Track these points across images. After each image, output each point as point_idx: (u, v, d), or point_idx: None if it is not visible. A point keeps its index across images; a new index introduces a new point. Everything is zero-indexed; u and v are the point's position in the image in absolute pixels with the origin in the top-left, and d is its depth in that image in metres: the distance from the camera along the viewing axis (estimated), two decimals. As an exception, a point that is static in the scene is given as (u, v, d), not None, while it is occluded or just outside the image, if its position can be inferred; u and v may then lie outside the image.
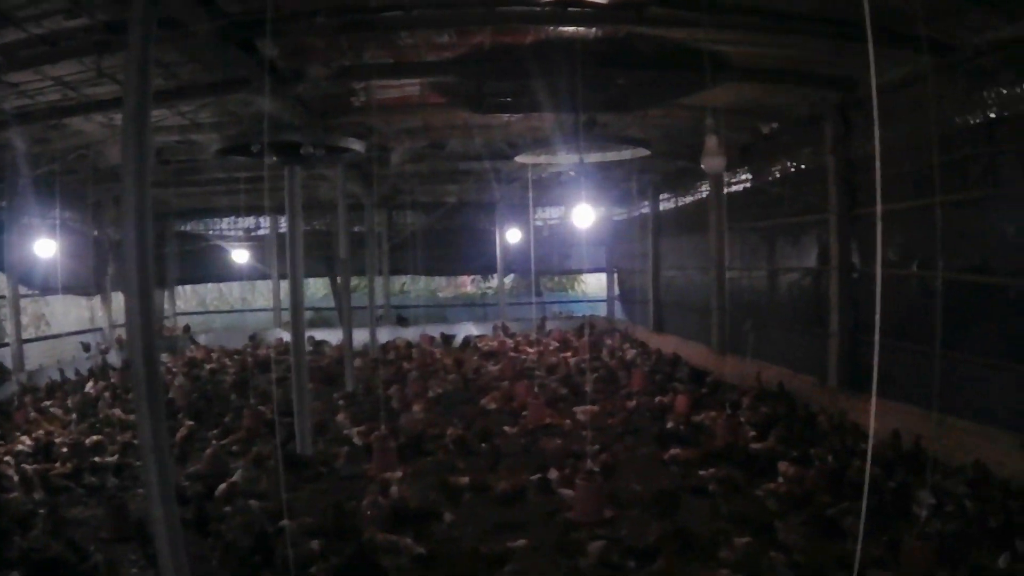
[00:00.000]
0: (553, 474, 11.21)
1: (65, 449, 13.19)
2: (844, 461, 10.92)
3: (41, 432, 14.48)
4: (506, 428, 14.35)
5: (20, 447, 13.50)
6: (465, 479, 11.21)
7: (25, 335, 21.85)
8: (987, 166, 11.42)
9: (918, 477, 9.71)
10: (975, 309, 11.76)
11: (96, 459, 12.76)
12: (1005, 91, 11.06)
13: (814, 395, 14.73)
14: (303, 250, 13.59)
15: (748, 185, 19.26)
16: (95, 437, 13.96)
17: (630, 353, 22.44)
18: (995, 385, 11.37)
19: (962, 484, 9.95)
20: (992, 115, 11.39)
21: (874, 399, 4.72)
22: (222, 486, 10.88)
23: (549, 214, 33.10)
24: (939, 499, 9.39)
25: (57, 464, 12.44)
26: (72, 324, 26.83)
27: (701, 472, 11.12)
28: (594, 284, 41.99)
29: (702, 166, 10.99)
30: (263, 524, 9.34)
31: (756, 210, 18.45)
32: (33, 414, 15.92)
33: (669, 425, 13.93)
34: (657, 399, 15.86)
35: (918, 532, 8.01)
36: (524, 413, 15.49)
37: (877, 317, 4.38)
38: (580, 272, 37.77)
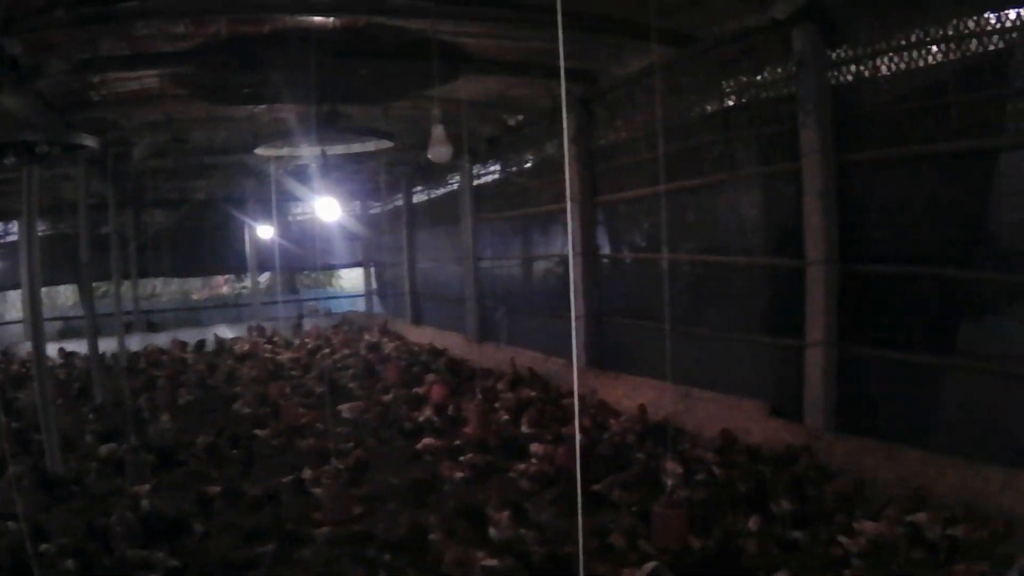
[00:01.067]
0: (307, 474, 11.01)
1: None
2: (594, 437, 11.32)
3: None
4: (257, 431, 13.89)
5: None
6: (216, 487, 10.80)
7: None
8: (723, 152, 12.07)
9: (665, 448, 10.14)
10: (716, 287, 12.44)
11: None
12: (743, 80, 11.73)
13: (565, 377, 15.16)
14: (48, 256, 12.73)
15: (497, 176, 19.62)
16: None
17: (388, 347, 22.41)
18: (738, 357, 12.07)
19: (711, 452, 10.52)
20: (729, 103, 12.06)
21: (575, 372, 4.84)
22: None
23: (302, 209, 32.49)
24: (690, 468, 9.88)
25: None
26: None
27: (452, 461, 11.21)
28: (352, 279, 41.61)
29: (428, 155, 11.06)
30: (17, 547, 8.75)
31: (506, 200, 18.83)
32: None
33: (425, 416, 13.96)
34: (413, 391, 15.84)
35: (666, 501, 8.32)
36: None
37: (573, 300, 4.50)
38: (336, 267, 37.25)
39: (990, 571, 6.60)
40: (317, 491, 10.32)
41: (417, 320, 25.78)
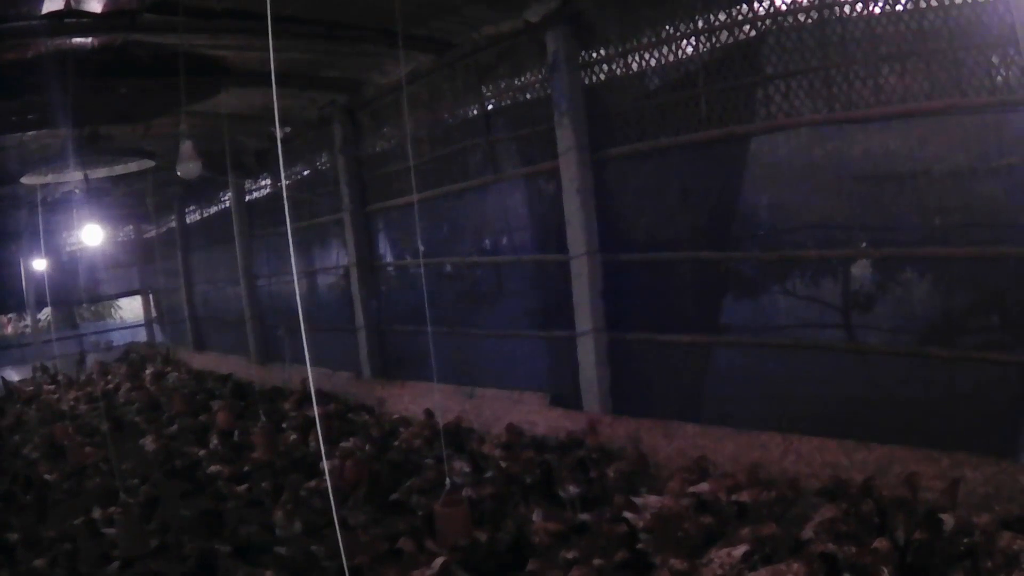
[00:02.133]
0: (97, 513, 10.57)
1: None
2: (382, 445, 11.37)
3: None
4: (46, 475, 13.18)
5: None
6: (15, 535, 10.19)
7: None
8: (487, 154, 12.33)
9: (455, 449, 10.28)
10: (491, 287, 12.72)
11: None
12: (502, 83, 11.98)
13: (353, 389, 15.14)
14: None
15: (269, 191, 19.30)
16: None
17: (172, 376, 21.71)
18: (517, 353, 12.39)
19: (498, 448, 10.72)
20: (490, 106, 12.31)
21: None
22: None
23: (75, 239, 30.97)
24: (478, 465, 10.05)
25: None
26: None
27: (240, 487, 11.00)
28: (132, 309, 40.09)
29: (178, 172, 10.90)
30: None
31: (279, 215, 18.56)
32: None
33: (212, 444, 13.61)
34: (199, 419, 15.40)
35: (445, 499, 8.44)
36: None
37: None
38: (114, 297, 35.71)
39: (779, 531, 6.97)
40: (109, 530, 9.87)
41: (199, 346, 25.07)
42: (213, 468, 11.91)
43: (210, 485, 11.39)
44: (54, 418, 18.09)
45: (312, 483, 10.43)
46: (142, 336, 32.08)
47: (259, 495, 10.56)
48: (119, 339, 32.55)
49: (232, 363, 21.08)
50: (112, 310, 41.99)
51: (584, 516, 8.29)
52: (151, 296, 30.96)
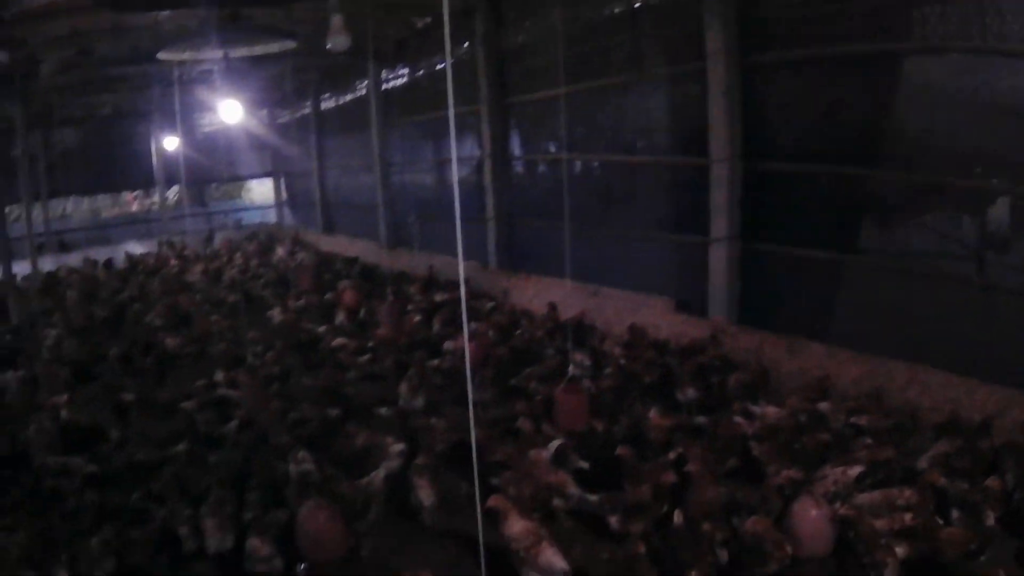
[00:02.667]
0: (219, 376, 10.98)
1: None
2: (505, 333, 11.50)
3: None
4: (169, 340, 13.75)
5: None
6: (131, 395, 10.71)
7: None
8: (630, 52, 12.11)
9: (575, 343, 10.33)
10: (624, 187, 12.59)
11: None
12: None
13: (479, 279, 15.26)
14: None
15: (406, 80, 19.35)
16: None
17: (300, 256, 22.23)
18: (645, 256, 12.30)
19: (619, 347, 10.74)
20: (637, 3, 12.07)
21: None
22: None
23: (210, 120, 31.62)
24: (598, 361, 10.10)
25: None
26: None
27: (362, 359, 11.36)
28: (262, 191, 40.87)
29: (328, 46, 10.96)
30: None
31: (415, 105, 18.63)
32: None
33: (338, 320, 13.97)
34: (326, 296, 15.79)
35: (567, 386, 8.53)
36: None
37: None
38: (245, 178, 36.52)
39: (896, 457, 6.88)
40: (230, 393, 10.29)
41: (328, 229, 25.56)
42: (337, 341, 12.24)
43: (333, 357, 11.75)
44: (179, 289, 18.79)
45: (435, 362, 10.68)
46: (271, 218, 32.78)
47: (381, 370, 10.87)
48: (248, 219, 33.27)
49: (360, 247, 21.54)
50: (242, 191, 42.92)
51: (700, 419, 8.31)
52: (282, 179, 31.48)
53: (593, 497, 6.78)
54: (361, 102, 21.73)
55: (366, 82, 20.92)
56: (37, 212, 26.40)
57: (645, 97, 12.16)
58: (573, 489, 6.90)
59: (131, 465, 8.53)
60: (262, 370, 10.73)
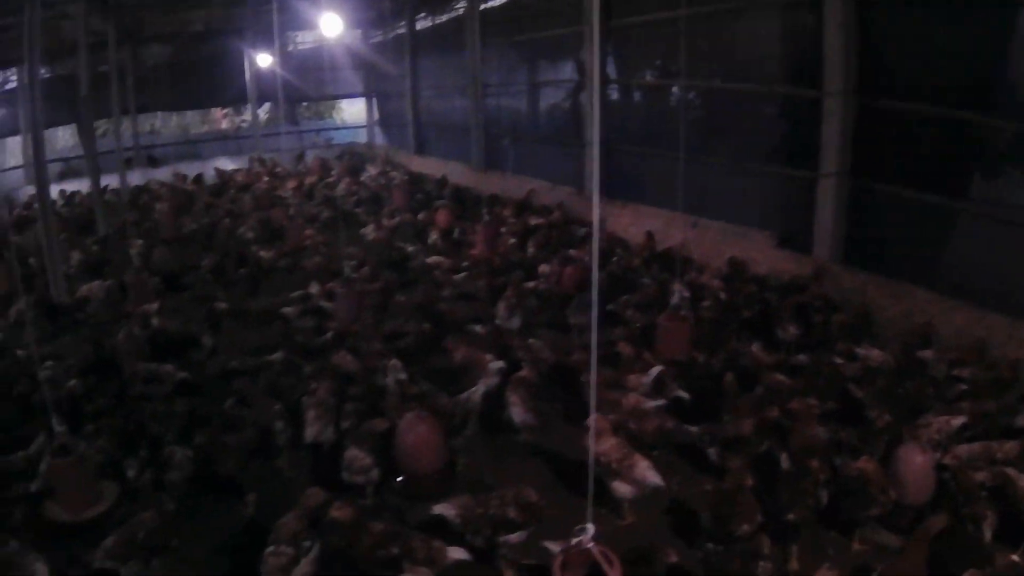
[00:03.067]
0: (314, 289, 11.05)
1: None
2: (601, 259, 11.36)
3: None
4: (262, 252, 13.89)
5: None
6: (223, 305, 10.83)
7: None
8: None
9: (672, 274, 10.16)
10: (729, 116, 12.27)
11: None
12: None
13: (573, 204, 15.10)
14: (46, 99, 12.58)
15: (504, 0, 19.04)
16: None
17: (392, 176, 22.25)
18: (747, 188, 12.02)
19: (717, 279, 10.55)
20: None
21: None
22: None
23: (302, 38, 31.63)
24: (696, 293, 9.94)
25: None
26: None
27: (456, 276, 11.40)
28: (353, 111, 40.90)
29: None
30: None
31: (513, 25, 18.34)
32: None
33: (431, 239, 13.99)
34: (420, 216, 15.78)
35: (670, 314, 8.40)
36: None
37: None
38: (338, 98, 36.53)
39: (996, 412, 6.66)
40: (325, 304, 10.38)
41: (420, 150, 25.45)
42: (432, 259, 12.24)
43: (427, 275, 11.76)
44: (271, 204, 18.96)
45: (531, 284, 10.61)
46: (362, 138, 32.80)
47: (475, 289, 10.85)
48: (339, 139, 33.34)
49: (452, 168, 21.43)
50: (333, 111, 43.03)
51: (801, 358, 8.12)
52: (374, 99, 31.43)
53: (693, 428, 6.68)
54: (458, 22, 21.44)
55: (464, 1, 20.62)
56: (126, 127, 26.80)
57: (756, 24, 11.76)
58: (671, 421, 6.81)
59: (224, 373, 8.70)
60: (356, 284, 10.74)
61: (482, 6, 19.56)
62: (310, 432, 6.88)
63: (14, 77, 28.05)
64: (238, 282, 12.60)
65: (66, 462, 6.31)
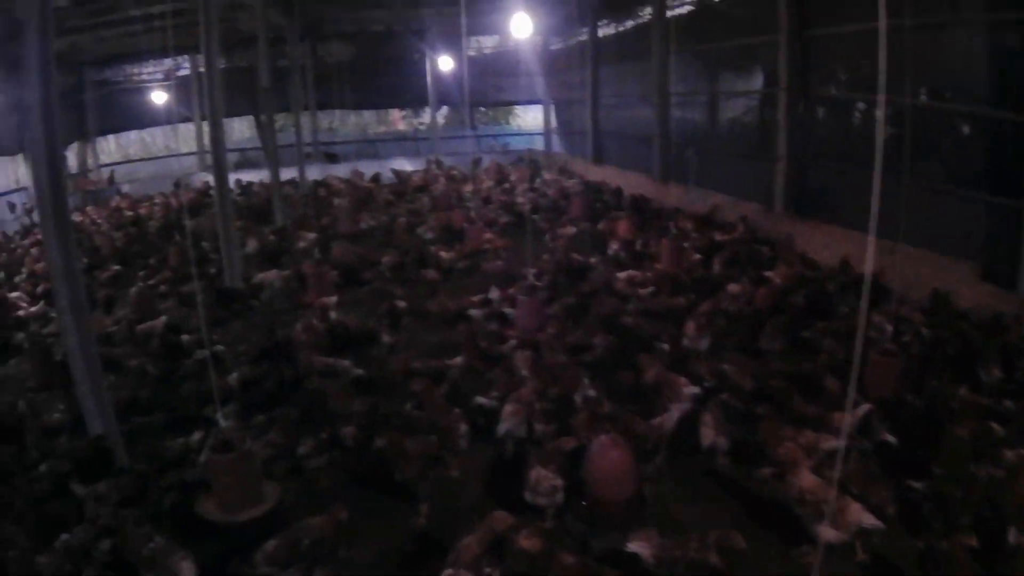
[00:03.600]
0: (495, 294, 10.90)
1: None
2: (796, 282, 10.77)
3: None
4: (443, 253, 13.90)
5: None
6: (404, 303, 10.81)
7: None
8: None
9: (872, 304, 9.48)
10: (931, 135, 11.47)
11: (19, 313, 12.14)
12: None
13: (759, 221, 14.48)
14: (224, 89, 12.89)
15: (693, 7, 18.51)
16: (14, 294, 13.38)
17: (569, 183, 22.05)
18: (952, 215, 11.19)
19: (918, 312, 9.82)
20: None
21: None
22: (146, 325, 10.41)
23: (483, 43, 31.84)
24: (896, 326, 9.25)
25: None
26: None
27: (643, 291, 10.96)
28: (529, 117, 41.01)
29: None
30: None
31: (700, 33, 17.82)
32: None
33: (612, 250, 13.66)
34: (599, 226, 15.46)
35: (881, 350, 7.82)
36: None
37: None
38: (516, 104, 36.66)
39: None
40: (507, 310, 10.28)
41: (598, 158, 25.11)
42: (622, 274, 11.87)
43: (609, 287, 11.41)
44: (449, 206, 19.03)
45: (719, 303, 10.11)
46: (538, 144, 32.77)
47: (660, 306, 10.44)
48: (515, 145, 33.39)
49: (630, 179, 21.07)
50: (509, 117, 43.23)
51: (1007, 403, 7.37)
52: (552, 106, 31.31)
53: (918, 484, 6.05)
54: (642, 29, 21.06)
55: (649, 8, 20.20)
56: (305, 123, 27.43)
57: (964, 42, 10.94)
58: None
59: (404, 373, 8.53)
60: (539, 292, 10.53)
61: (668, 13, 19.08)
62: (502, 427, 6.79)
63: (186, 64, 29.32)
64: (417, 281, 12.66)
65: (228, 458, 6.13)
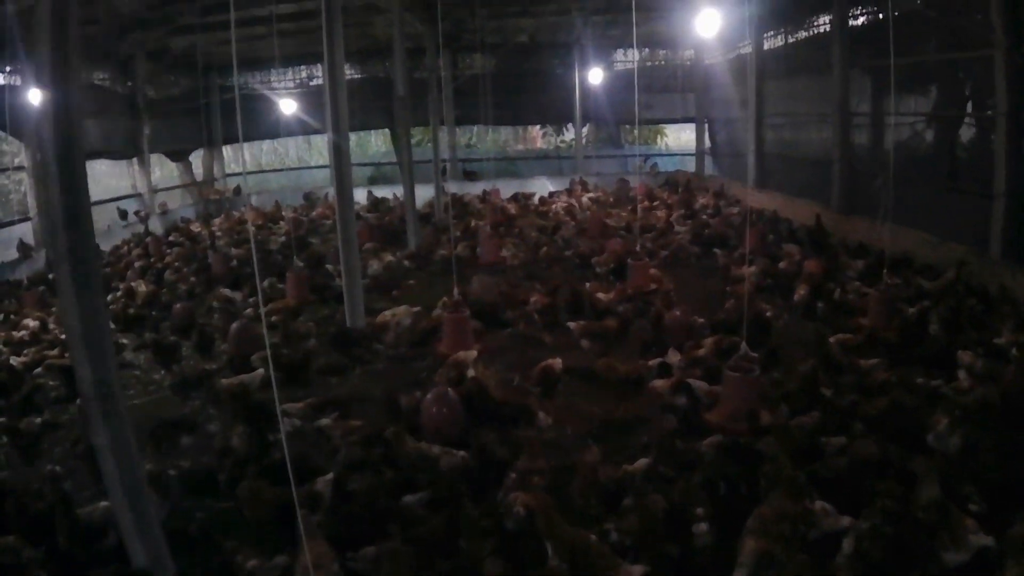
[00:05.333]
0: (674, 357, 8.86)
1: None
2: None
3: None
4: (600, 295, 11.93)
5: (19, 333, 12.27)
6: (559, 361, 8.89)
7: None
8: None
9: None
10: None
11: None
12: None
13: (973, 269, 12.07)
14: (360, 100, 11.53)
15: (881, 15, 16.11)
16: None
17: (731, 211, 19.94)
18: None
19: None
20: None
21: None
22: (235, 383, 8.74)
23: (631, 56, 29.94)
24: None
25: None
26: (111, 191, 25.05)
27: (864, 361, 8.59)
28: (679, 136, 39.12)
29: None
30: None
31: (892, 45, 15.44)
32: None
33: (799, 295, 11.47)
34: (782, 264, 13.37)
35: None
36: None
37: None
38: (666, 122, 34.48)
39: None
40: (698, 384, 8.04)
41: (761, 183, 22.60)
42: (840, 336, 9.53)
43: (823, 347, 9.01)
44: (601, 233, 17.30)
45: (956, 382, 7.87)
46: (688, 165, 30.65)
47: (882, 382, 8.10)
48: (663, 165, 31.34)
49: (800, 208, 18.83)
50: (657, 136, 41.23)
51: None
52: (706, 125, 29.09)
53: None
54: (818, 40, 18.88)
55: (828, 17, 18.01)
56: (442, 137, 26.23)
57: None
58: None
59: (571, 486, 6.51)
60: (748, 365, 7.91)
61: (852, 22, 16.81)
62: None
63: (319, 73, 28.52)
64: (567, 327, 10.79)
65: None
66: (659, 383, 8.25)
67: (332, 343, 10.46)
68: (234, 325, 10.79)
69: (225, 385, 8.59)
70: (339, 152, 11.49)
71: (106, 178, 26.30)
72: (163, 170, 30.91)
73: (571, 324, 10.55)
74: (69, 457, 7.58)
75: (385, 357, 10.43)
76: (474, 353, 9.26)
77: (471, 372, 8.56)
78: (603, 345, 9.95)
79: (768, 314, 10.54)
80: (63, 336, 11.18)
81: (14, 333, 12.17)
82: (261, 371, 8.92)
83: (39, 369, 10.17)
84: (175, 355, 10.64)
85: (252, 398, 7.82)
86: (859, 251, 14.19)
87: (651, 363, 8.87)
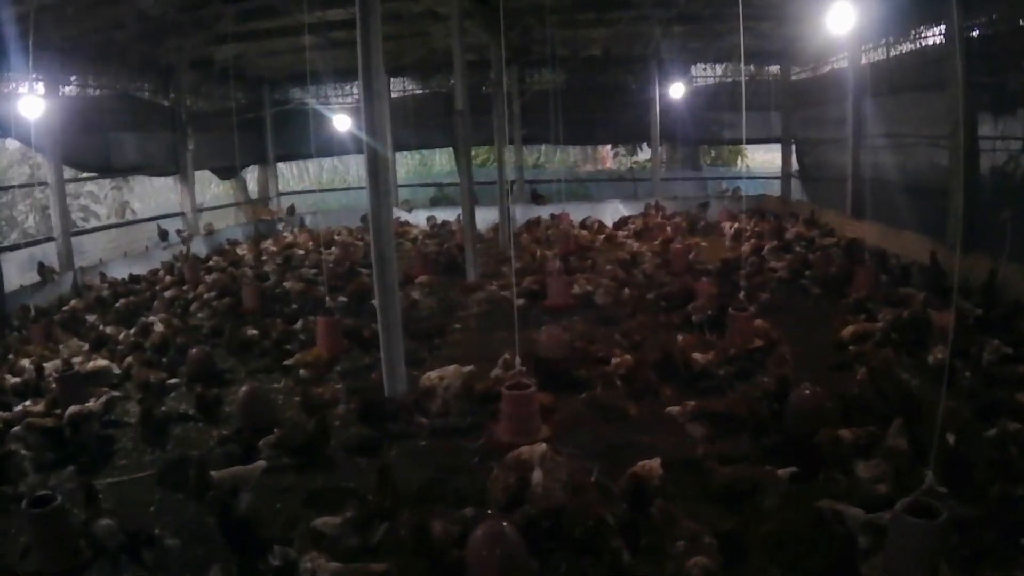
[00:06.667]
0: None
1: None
2: None
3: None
4: (697, 355, 9.85)
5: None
6: (657, 466, 6.56)
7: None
8: None
9: None
10: None
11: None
12: None
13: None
14: (420, 117, 9.86)
15: (1008, 26, 13.97)
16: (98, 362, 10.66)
17: (828, 242, 17.91)
18: None
19: None
20: None
21: None
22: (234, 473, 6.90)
23: (711, 72, 28.01)
24: None
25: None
26: (154, 209, 23.96)
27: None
28: (761, 158, 37.13)
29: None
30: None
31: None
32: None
33: (934, 359, 9.32)
34: (904, 313, 10.96)
35: None
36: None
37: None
38: (749, 143, 32.35)
39: None
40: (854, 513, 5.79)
41: (858, 212, 20.48)
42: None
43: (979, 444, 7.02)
44: (684, 266, 15.47)
45: None
46: (772, 190, 28.54)
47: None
48: (745, 189, 29.34)
49: (907, 241, 16.65)
50: (738, 157, 39.22)
51: None
52: (793, 146, 26.95)
53: None
54: (927, 53, 16.86)
55: (941, 27, 16.04)
56: (508, 157, 24.67)
57: None
58: None
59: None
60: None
61: (969, 32, 14.71)
62: None
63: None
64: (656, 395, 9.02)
65: None
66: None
67: (362, 416, 8.61)
68: (242, 390, 9.04)
69: (216, 481, 6.72)
70: (375, 174, 9.52)
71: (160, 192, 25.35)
72: (219, 188, 29.85)
73: (673, 409, 8.02)
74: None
75: (428, 430, 8.60)
76: (542, 447, 7.02)
77: (537, 476, 6.53)
78: (716, 430, 7.69)
79: (914, 389, 8.38)
80: (55, 384, 9.66)
81: (8, 377, 10.59)
82: (263, 463, 7.11)
83: (17, 428, 8.45)
84: (165, 432, 8.93)
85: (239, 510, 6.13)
86: (986, 297, 12.01)
87: (780, 472, 6.56)
